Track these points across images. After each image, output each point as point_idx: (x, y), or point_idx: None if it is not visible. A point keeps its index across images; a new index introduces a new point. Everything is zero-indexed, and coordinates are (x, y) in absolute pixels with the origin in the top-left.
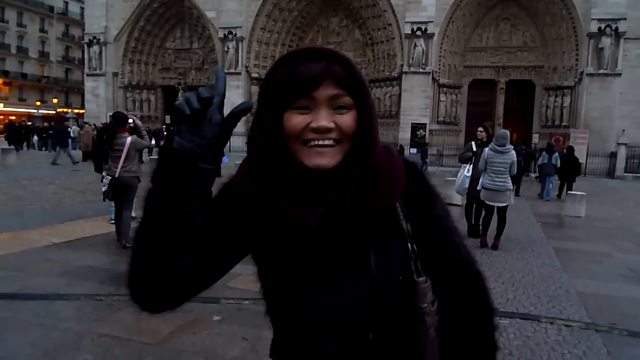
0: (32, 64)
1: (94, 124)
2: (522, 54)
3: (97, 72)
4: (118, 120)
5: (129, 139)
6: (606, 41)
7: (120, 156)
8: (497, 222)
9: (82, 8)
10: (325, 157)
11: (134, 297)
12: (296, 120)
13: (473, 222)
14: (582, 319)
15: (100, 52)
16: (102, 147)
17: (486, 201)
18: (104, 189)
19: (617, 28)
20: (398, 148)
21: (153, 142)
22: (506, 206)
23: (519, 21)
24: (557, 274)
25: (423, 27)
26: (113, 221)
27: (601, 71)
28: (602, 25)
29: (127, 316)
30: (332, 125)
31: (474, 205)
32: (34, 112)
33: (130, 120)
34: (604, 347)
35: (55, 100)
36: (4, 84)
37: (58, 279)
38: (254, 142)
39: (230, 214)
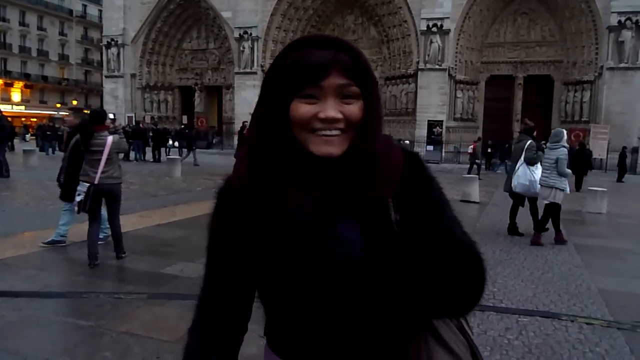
0: (52, 66)
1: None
2: (540, 49)
3: (116, 73)
4: (96, 117)
5: (109, 139)
6: (627, 34)
7: (99, 159)
8: (541, 217)
9: (101, 11)
10: (333, 146)
11: None
12: (304, 109)
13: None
14: (604, 316)
15: (119, 54)
16: (77, 154)
17: (542, 199)
18: (78, 198)
19: (637, 21)
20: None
21: (170, 141)
22: (555, 204)
23: (537, 15)
24: (578, 271)
25: (439, 24)
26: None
27: (622, 65)
28: (623, 19)
29: (145, 314)
30: (339, 115)
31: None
32: (54, 114)
33: (111, 116)
34: (627, 346)
35: (75, 102)
36: (26, 86)
37: (78, 277)
38: (255, 128)
39: (232, 224)
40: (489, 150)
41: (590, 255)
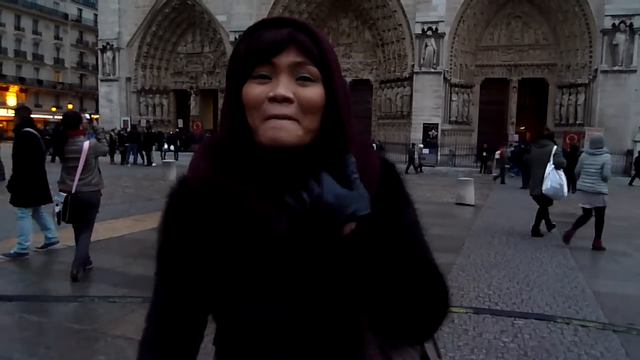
0: (47, 70)
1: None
2: (534, 52)
3: (111, 77)
4: (70, 121)
5: (86, 144)
6: (620, 37)
7: (75, 166)
8: (594, 223)
9: (96, 15)
10: (282, 131)
11: None
12: (254, 91)
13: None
14: (599, 319)
15: (114, 58)
16: (23, 153)
17: (579, 203)
18: (57, 208)
19: (631, 24)
20: (410, 147)
21: (166, 145)
22: (602, 207)
23: (530, 19)
24: (573, 274)
25: (434, 27)
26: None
27: (616, 68)
28: (616, 22)
29: (140, 318)
30: (290, 95)
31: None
32: (49, 118)
33: (87, 116)
34: (622, 348)
35: (70, 106)
36: (21, 90)
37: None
38: (221, 124)
39: (186, 229)
40: (484, 154)
41: (585, 257)
